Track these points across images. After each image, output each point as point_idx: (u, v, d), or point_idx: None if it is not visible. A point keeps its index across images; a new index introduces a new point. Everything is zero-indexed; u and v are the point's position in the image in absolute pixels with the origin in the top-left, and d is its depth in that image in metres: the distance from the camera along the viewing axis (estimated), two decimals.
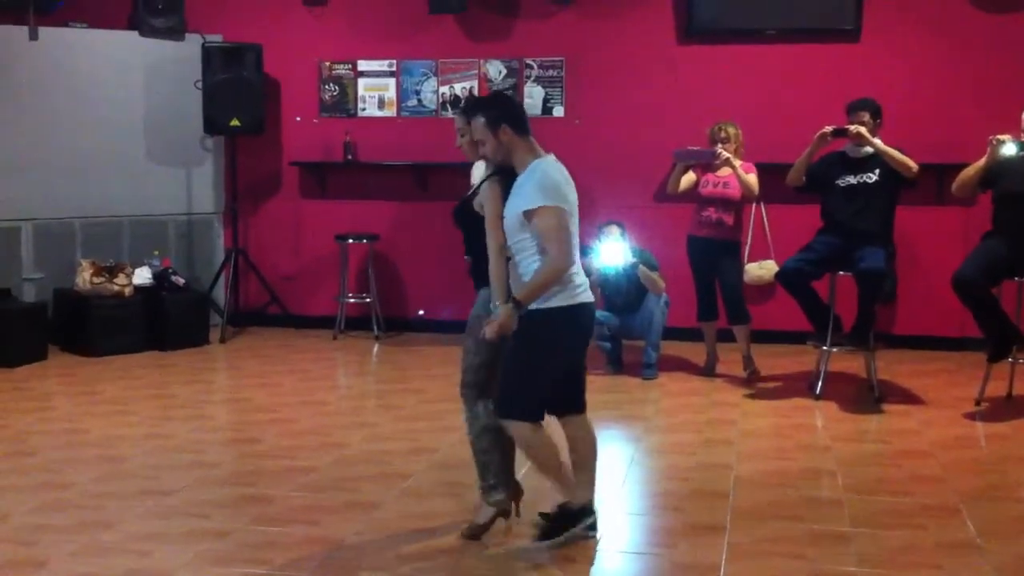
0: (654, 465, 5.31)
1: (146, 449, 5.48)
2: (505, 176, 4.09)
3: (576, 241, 4.03)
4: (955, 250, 7.07)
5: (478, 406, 4.22)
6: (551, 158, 4.08)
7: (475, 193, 4.25)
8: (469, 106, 4.32)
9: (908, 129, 7.24)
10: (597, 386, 6.80)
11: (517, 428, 4.04)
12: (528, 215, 3.89)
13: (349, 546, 4.17)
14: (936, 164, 7.28)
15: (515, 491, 4.38)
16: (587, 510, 4.20)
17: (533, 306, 3.93)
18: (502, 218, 4.02)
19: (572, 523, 4.17)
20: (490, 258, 4.06)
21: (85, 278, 7.88)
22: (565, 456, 4.24)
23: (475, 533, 4.23)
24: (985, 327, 6.20)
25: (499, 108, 4.08)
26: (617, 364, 7.22)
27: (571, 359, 4.16)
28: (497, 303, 4.00)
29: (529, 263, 3.96)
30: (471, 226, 4.24)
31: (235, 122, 8.38)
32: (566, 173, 4.08)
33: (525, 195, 3.92)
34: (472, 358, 4.22)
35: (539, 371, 4.02)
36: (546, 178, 3.95)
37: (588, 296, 4.08)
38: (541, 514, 4.30)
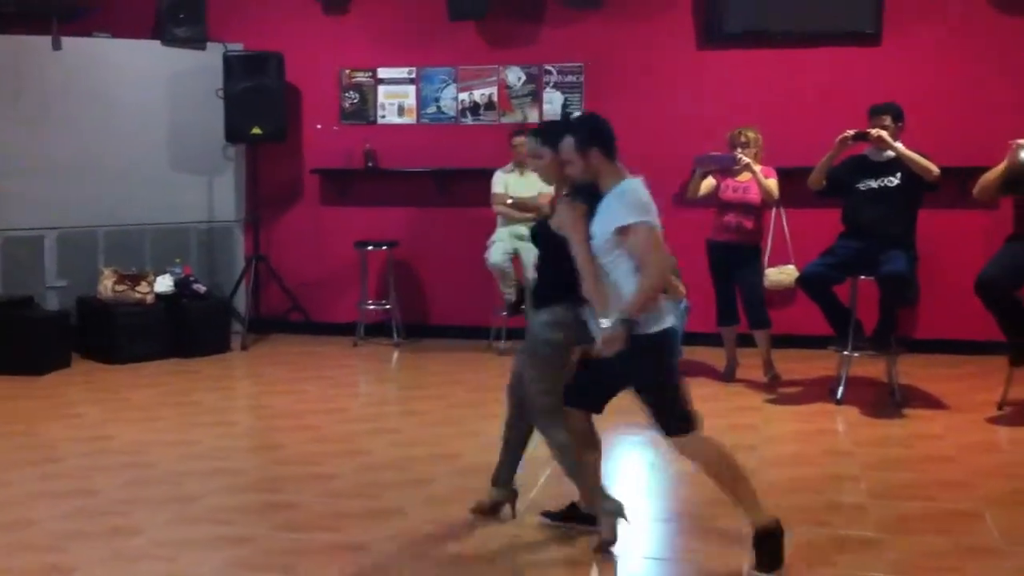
0: (675, 471, 5.30)
1: (172, 456, 5.52)
2: (584, 196, 4.07)
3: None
4: (978, 254, 7.03)
5: (560, 434, 4.22)
6: (639, 179, 4.08)
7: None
8: (554, 128, 4.28)
9: (929, 132, 7.23)
10: None
11: (695, 440, 4.01)
12: (622, 232, 3.88)
13: (373, 552, 4.19)
14: (958, 167, 7.25)
15: (511, 494, 4.50)
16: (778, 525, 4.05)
17: (654, 329, 3.91)
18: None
19: (776, 545, 3.99)
20: (585, 278, 4.01)
21: (107, 286, 7.94)
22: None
23: (608, 545, 4.19)
24: (1008, 331, 6.18)
25: (590, 130, 4.07)
26: None
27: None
28: (602, 321, 3.94)
29: (626, 282, 3.94)
30: (547, 245, 4.24)
31: (256, 130, 8.44)
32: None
33: (615, 213, 3.92)
34: (537, 385, 4.23)
35: (679, 385, 4.03)
36: (636, 197, 3.96)
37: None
38: (545, 513, 4.45)
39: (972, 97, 7.78)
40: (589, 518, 4.29)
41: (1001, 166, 6.13)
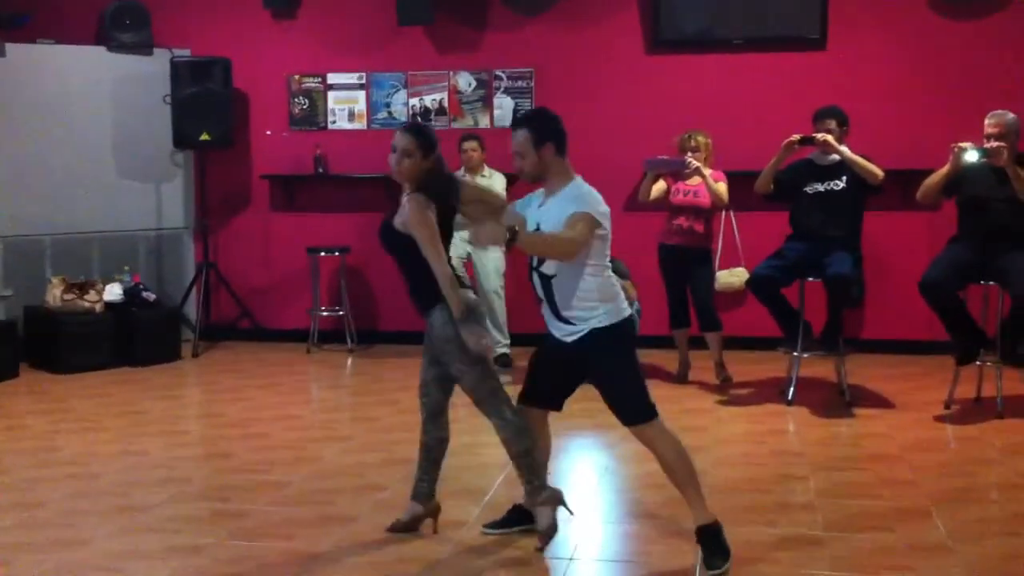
0: (628, 473, 5.33)
1: (119, 466, 5.46)
2: (433, 198, 4.07)
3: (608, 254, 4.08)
4: (922, 255, 7.15)
5: (504, 411, 4.21)
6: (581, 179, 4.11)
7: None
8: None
9: (874, 136, 7.33)
10: (572, 395, 6.83)
11: (654, 428, 4.05)
12: (567, 221, 3.90)
13: (325, 559, 4.16)
14: (902, 170, 7.36)
15: (434, 508, 4.42)
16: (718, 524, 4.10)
17: (612, 321, 3.99)
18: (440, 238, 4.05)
19: (721, 541, 4.04)
20: (440, 279, 4.06)
21: (55, 295, 7.84)
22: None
23: (548, 538, 4.21)
24: (953, 330, 6.27)
25: (546, 124, 4.07)
26: None
27: None
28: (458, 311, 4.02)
29: (576, 278, 3.97)
30: (397, 247, 4.20)
31: (204, 136, 8.37)
32: None
33: (568, 210, 3.93)
34: (470, 378, 4.18)
35: (639, 371, 4.12)
36: (591, 194, 4.01)
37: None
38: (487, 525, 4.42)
39: (915, 101, 7.90)
40: (532, 516, 4.26)
41: (944, 169, 6.21)
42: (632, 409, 4.07)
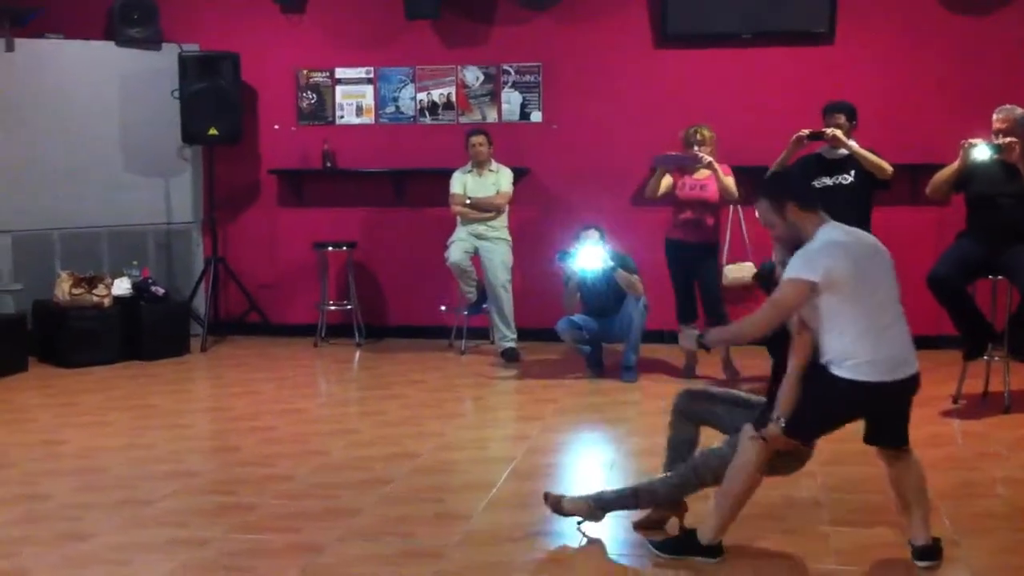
0: (635, 467, 5.32)
1: (125, 459, 5.47)
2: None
3: (875, 313, 3.88)
4: (930, 250, 7.11)
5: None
6: (832, 224, 3.93)
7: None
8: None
9: (883, 131, 7.31)
10: (577, 390, 6.83)
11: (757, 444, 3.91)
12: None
13: (330, 553, 4.17)
14: (911, 165, 7.33)
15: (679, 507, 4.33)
16: (718, 550, 4.04)
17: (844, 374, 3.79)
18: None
19: (694, 552, 4.03)
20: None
21: (64, 289, 7.85)
22: None
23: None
24: (960, 325, 6.25)
25: (780, 187, 4.02)
26: (597, 368, 7.24)
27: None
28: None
29: (831, 338, 3.80)
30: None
31: (213, 131, 8.38)
32: (858, 235, 3.98)
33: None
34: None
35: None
36: (817, 248, 3.82)
37: (872, 374, 3.81)
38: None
39: (925, 96, 7.88)
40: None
41: (954, 165, 6.19)
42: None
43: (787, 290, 3.79)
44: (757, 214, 4.04)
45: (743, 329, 4.01)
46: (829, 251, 3.81)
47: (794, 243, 3.94)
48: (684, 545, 4.06)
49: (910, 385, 3.95)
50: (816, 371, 3.85)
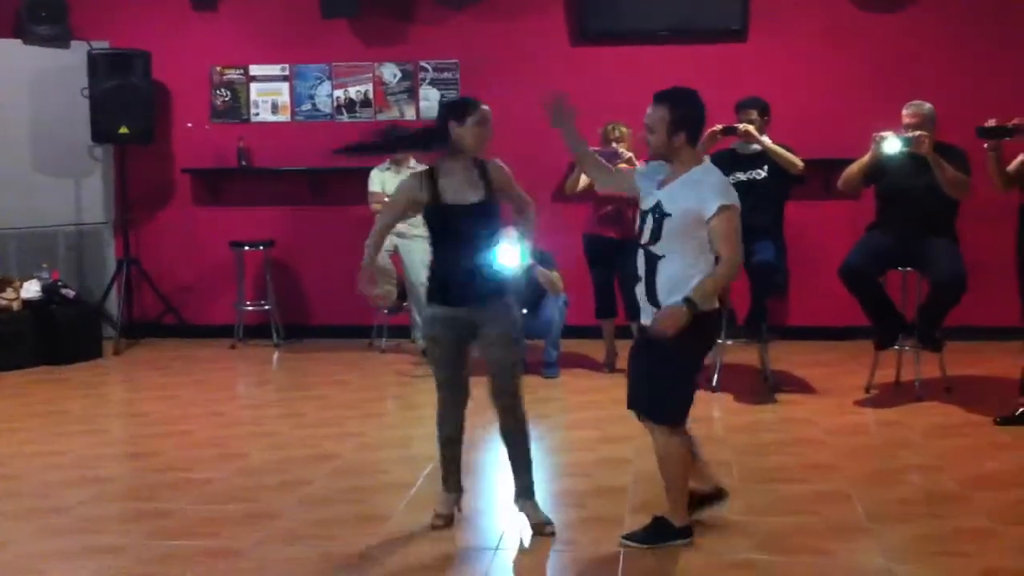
0: (556, 462, 5.36)
1: (39, 466, 5.35)
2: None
3: None
4: (843, 243, 7.22)
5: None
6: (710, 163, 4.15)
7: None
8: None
9: (796, 126, 7.42)
10: None
11: (669, 434, 4.03)
12: (712, 215, 3.89)
13: (249, 557, 4.12)
14: (823, 159, 7.46)
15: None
16: (687, 531, 4.15)
17: (707, 307, 3.95)
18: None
19: (671, 537, 4.12)
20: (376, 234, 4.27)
21: None
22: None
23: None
24: (872, 316, 6.39)
25: (684, 112, 4.02)
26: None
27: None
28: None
29: (685, 266, 3.93)
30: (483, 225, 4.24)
31: (124, 130, 8.22)
32: None
33: (704, 196, 3.92)
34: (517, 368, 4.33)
35: (695, 372, 4.12)
36: (723, 179, 4.02)
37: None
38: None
39: (836, 91, 8.03)
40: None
41: (864, 158, 6.31)
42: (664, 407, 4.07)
43: (734, 218, 3.95)
44: (647, 116, 4.05)
45: (721, 275, 3.94)
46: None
47: (657, 157, 4.11)
48: (659, 532, 4.12)
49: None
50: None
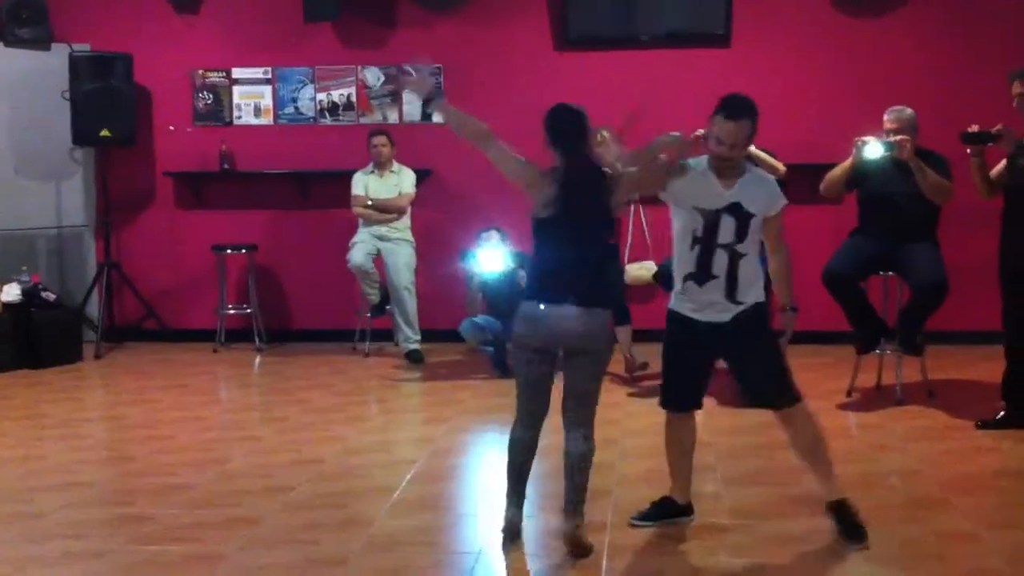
0: (539, 467, 5.31)
1: (18, 471, 5.31)
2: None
3: None
4: (826, 248, 7.24)
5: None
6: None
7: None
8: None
9: (778, 131, 7.42)
10: (483, 390, 6.82)
11: (806, 406, 4.29)
12: (779, 211, 4.21)
13: (231, 563, 4.10)
14: (806, 164, 7.48)
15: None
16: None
17: (762, 299, 4.28)
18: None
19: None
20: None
21: None
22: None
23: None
24: (854, 321, 6.41)
25: (755, 119, 4.18)
26: (502, 368, 7.23)
27: None
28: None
29: (755, 261, 4.21)
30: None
31: (105, 133, 8.18)
32: None
33: (773, 193, 4.21)
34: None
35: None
36: (772, 181, 4.30)
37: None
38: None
39: (819, 97, 8.06)
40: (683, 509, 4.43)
41: (846, 163, 6.33)
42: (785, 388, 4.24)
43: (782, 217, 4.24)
44: (727, 130, 4.13)
45: (791, 267, 4.43)
46: None
47: (727, 166, 4.16)
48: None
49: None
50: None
